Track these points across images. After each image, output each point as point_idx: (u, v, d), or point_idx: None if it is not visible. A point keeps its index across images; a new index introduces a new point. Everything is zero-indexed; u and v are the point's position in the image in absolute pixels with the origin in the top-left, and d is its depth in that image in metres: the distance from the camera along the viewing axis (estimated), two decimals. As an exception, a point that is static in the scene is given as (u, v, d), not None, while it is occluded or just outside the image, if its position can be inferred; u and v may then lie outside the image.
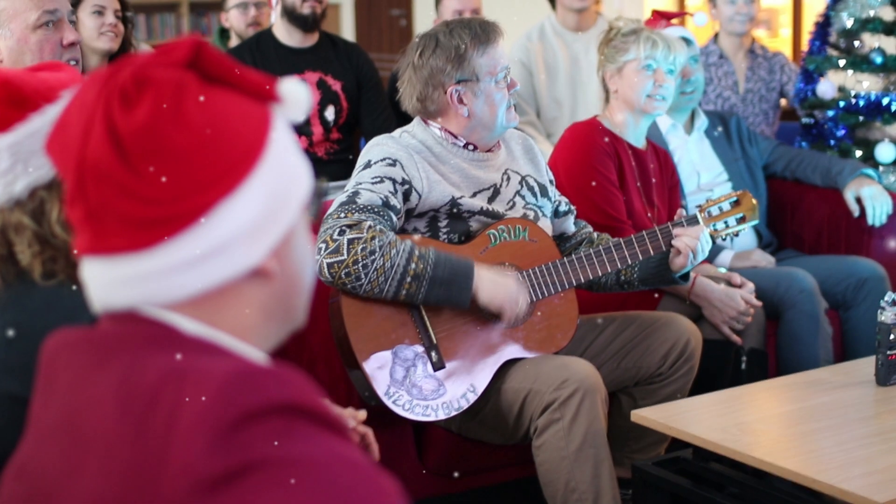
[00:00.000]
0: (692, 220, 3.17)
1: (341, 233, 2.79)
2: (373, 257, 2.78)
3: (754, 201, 3.30)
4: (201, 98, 1.08)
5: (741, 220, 3.28)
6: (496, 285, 2.90)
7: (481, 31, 3.02)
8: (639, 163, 3.66)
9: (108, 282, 1.10)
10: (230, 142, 1.09)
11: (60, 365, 1.11)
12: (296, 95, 1.16)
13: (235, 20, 5.39)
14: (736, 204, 3.28)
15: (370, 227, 2.80)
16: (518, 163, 3.20)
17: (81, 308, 1.50)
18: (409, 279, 2.82)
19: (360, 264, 2.78)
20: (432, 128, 3.08)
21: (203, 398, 0.99)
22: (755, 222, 3.31)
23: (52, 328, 1.53)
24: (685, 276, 3.19)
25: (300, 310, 1.20)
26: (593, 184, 3.49)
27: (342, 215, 2.83)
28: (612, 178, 3.53)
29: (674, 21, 3.86)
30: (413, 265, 2.81)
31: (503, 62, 3.05)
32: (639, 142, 3.70)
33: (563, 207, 3.28)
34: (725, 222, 3.26)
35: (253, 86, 1.13)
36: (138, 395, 1.02)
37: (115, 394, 1.03)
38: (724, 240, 3.30)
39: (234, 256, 1.10)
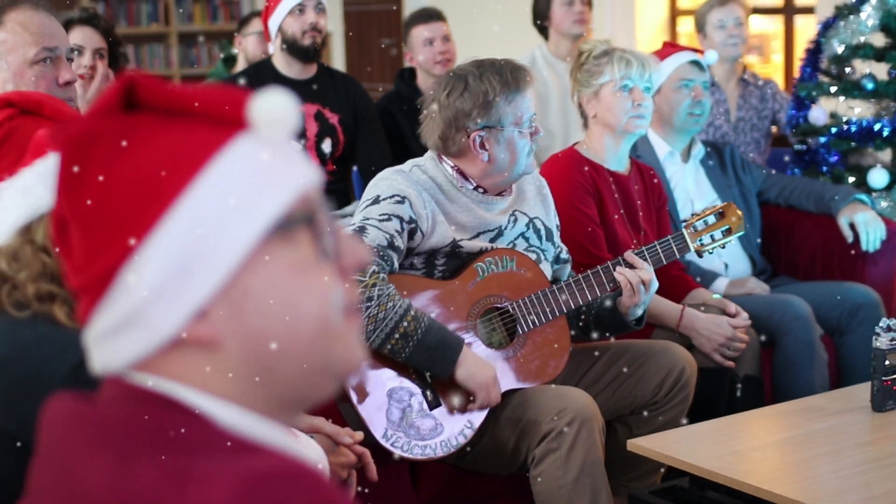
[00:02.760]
0: (678, 237, 3.24)
1: None
2: (368, 304, 2.76)
3: (739, 212, 3.33)
4: (123, 143, 0.94)
5: (727, 233, 3.30)
6: (478, 368, 2.90)
7: (511, 79, 2.97)
8: (621, 189, 3.62)
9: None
10: (137, 192, 0.93)
11: (57, 434, 0.97)
12: (271, 112, 0.95)
13: (252, 46, 5.39)
14: (721, 216, 3.30)
15: (374, 272, 2.78)
16: (528, 203, 3.18)
17: (71, 346, 1.48)
18: (397, 336, 2.80)
19: None
20: (445, 165, 3.05)
21: None
22: (741, 233, 3.34)
23: (40, 363, 1.52)
24: (639, 321, 3.16)
25: (311, 375, 0.97)
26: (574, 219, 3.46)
27: None
28: (592, 214, 3.48)
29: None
30: (405, 323, 2.80)
31: (530, 110, 3.01)
32: (621, 165, 3.66)
33: (563, 255, 3.26)
34: (711, 236, 3.28)
35: (209, 111, 0.95)
36: (133, 499, 0.88)
37: (107, 488, 0.89)
38: (710, 253, 3.32)
39: (149, 324, 0.94)
